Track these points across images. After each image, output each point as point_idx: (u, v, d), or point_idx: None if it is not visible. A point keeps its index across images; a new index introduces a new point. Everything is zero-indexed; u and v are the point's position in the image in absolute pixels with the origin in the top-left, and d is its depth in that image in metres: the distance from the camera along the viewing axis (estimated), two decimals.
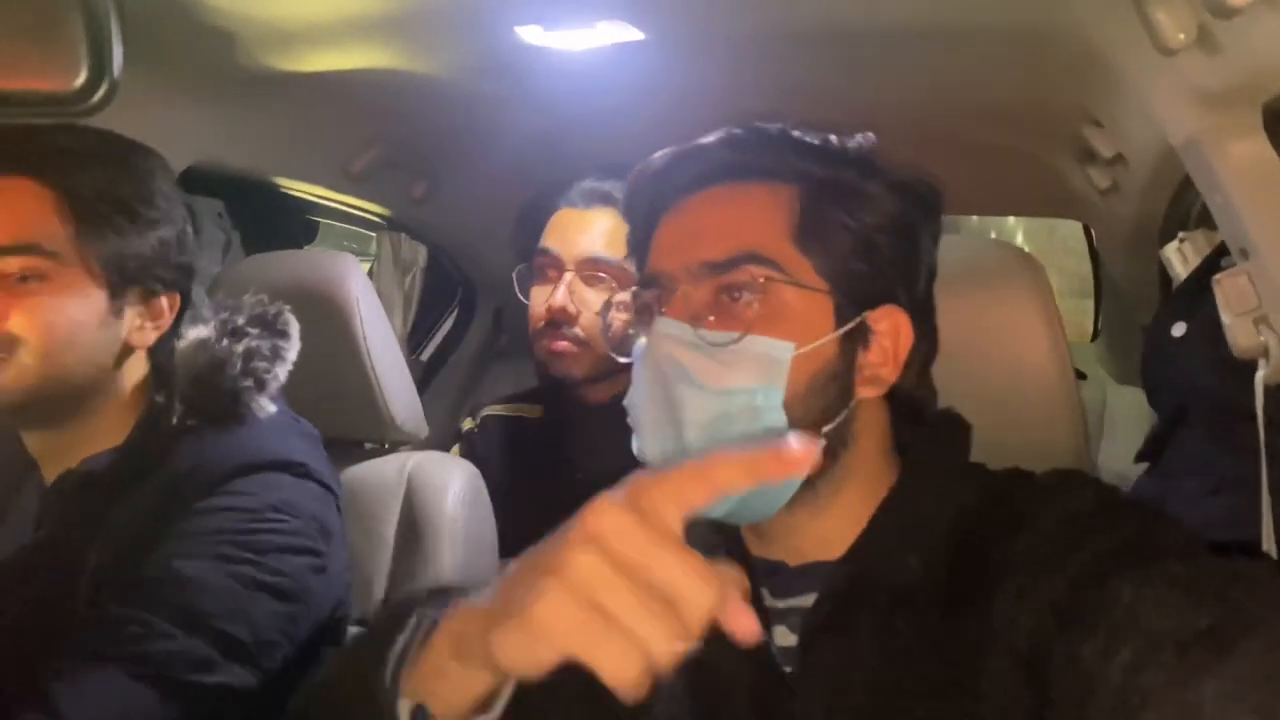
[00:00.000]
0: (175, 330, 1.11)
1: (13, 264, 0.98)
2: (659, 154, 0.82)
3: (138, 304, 1.06)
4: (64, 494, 1.04)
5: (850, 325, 0.75)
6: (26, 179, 1.00)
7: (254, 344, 1.11)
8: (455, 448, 1.65)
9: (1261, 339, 1.05)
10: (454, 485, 1.24)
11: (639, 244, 0.84)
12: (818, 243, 0.75)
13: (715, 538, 0.80)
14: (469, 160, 1.96)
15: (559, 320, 1.45)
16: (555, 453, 1.53)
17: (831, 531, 0.76)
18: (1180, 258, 1.36)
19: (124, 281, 1.03)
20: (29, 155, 1.01)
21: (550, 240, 1.50)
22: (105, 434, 1.06)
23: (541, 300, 1.48)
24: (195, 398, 1.07)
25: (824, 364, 0.74)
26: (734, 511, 0.73)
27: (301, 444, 1.12)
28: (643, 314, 0.80)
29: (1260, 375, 1.06)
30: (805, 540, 0.76)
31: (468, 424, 1.67)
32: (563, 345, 1.46)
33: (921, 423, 0.81)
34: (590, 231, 1.48)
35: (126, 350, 1.07)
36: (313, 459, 1.10)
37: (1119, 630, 0.61)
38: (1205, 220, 1.33)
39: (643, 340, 0.79)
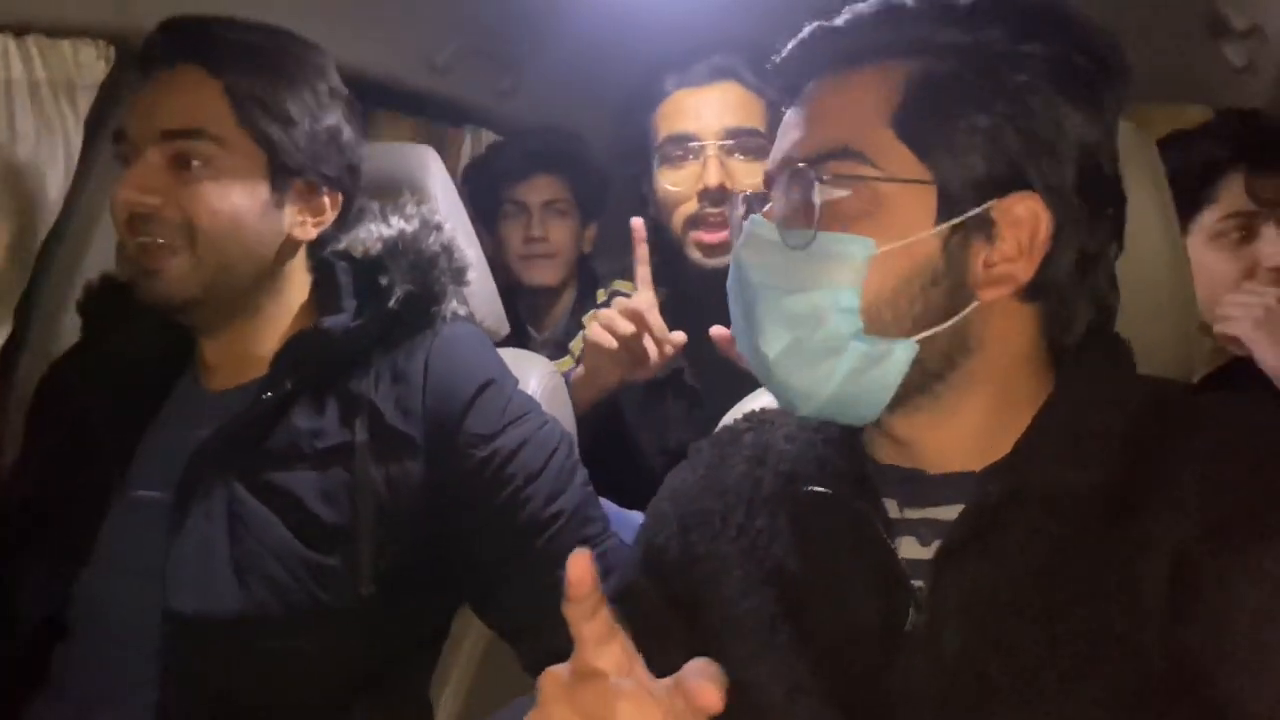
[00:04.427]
0: (337, 231, 1.13)
1: (180, 148, 1.01)
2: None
3: (299, 199, 1.08)
4: (299, 352, 1.06)
5: (962, 218, 0.69)
6: (193, 67, 1.03)
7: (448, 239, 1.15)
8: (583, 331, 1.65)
9: None
10: (532, 380, 1.23)
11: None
12: (924, 127, 0.69)
13: (827, 449, 0.78)
14: (554, 47, 1.91)
15: (718, 198, 1.42)
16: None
17: (973, 440, 0.72)
18: None
19: (286, 172, 1.05)
20: (197, 45, 1.04)
21: (678, 124, 1.47)
22: (272, 338, 1.09)
23: (689, 183, 1.45)
24: (412, 287, 1.10)
25: (921, 262, 0.69)
26: (827, 409, 0.72)
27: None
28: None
29: None
30: (942, 447, 0.73)
31: (600, 296, 1.68)
32: (722, 235, 1.44)
33: (1077, 331, 0.74)
34: (720, 105, 1.46)
35: (290, 245, 1.09)
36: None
37: (1267, 570, 0.60)
38: None
39: None
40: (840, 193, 0.70)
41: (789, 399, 0.74)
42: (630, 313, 1.32)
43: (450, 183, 1.33)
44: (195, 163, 1.01)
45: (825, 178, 0.70)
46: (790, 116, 0.76)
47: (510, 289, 1.81)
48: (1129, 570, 0.64)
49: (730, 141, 1.45)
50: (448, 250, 1.15)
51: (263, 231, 1.05)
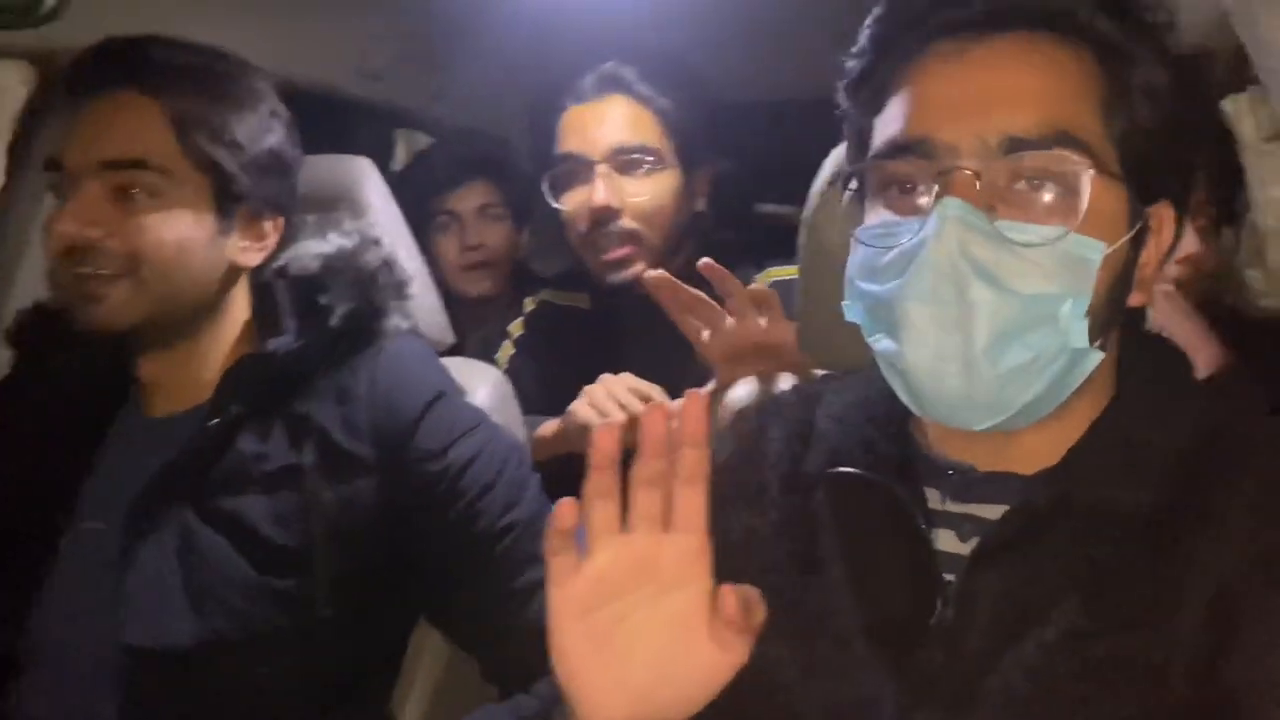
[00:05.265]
0: (277, 254, 1.11)
1: (122, 179, 0.98)
2: None
3: (243, 225, 1.06)
4: (242, 377, 1.04)
5: (1140, 225, 0.67)
6: (135, 93, 1.00)
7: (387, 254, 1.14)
8: (507, 341, 1.66)
9: None
10: (480, 391, 1.23)
11: (873, 92, 0.71)
12: (1124, 121, 0.65)
13: (874, 432, 0.75)
14: (484, 50, 1.90)
15: (604, 219, 1.43)
16: (602, 346, 1.53)
17: (1043, 443, 0.69)
18: (1248, 111, 1.27)
19: (231, 200, 1.03)
20: (137, 69, 1.00)
21: (569, 143, 1.47)
22: (215, 362, 1.07)
23: (580, 203, 1.46)
24: (353, 304, 1.09)
25: (1118, 268, 0.66)
26: (1005, 423, 0.66)
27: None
28: (892, 187, 0.68)
29: None
30: (1015, 448, 0.70)
31: (529, 305, 1.67)
32: (621, 253, 1.45)
33: (1139, 338, 0.74)
34: (608, 121, 1.46)
35: (233, 271, 1.07)
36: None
37: None
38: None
39: (882, 215, 0.69)
40: (1063, 186, 0.64)
41: (962, 415, 0.67)
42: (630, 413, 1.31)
43: (388, 193, 1.32)
44: (138, 193, 0.98)
45: (1077, 168, 0.63)
46: (962, 75, 0.66)
47: (446, 296, 1.79)
48: (1167, 597, 0.62)
49: (619, 159, 1.44)
50: (388, 265, 1.14)
51: (208, 260, 1.03)
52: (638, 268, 1.45)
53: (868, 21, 0.72)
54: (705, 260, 1.21)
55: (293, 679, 1.00)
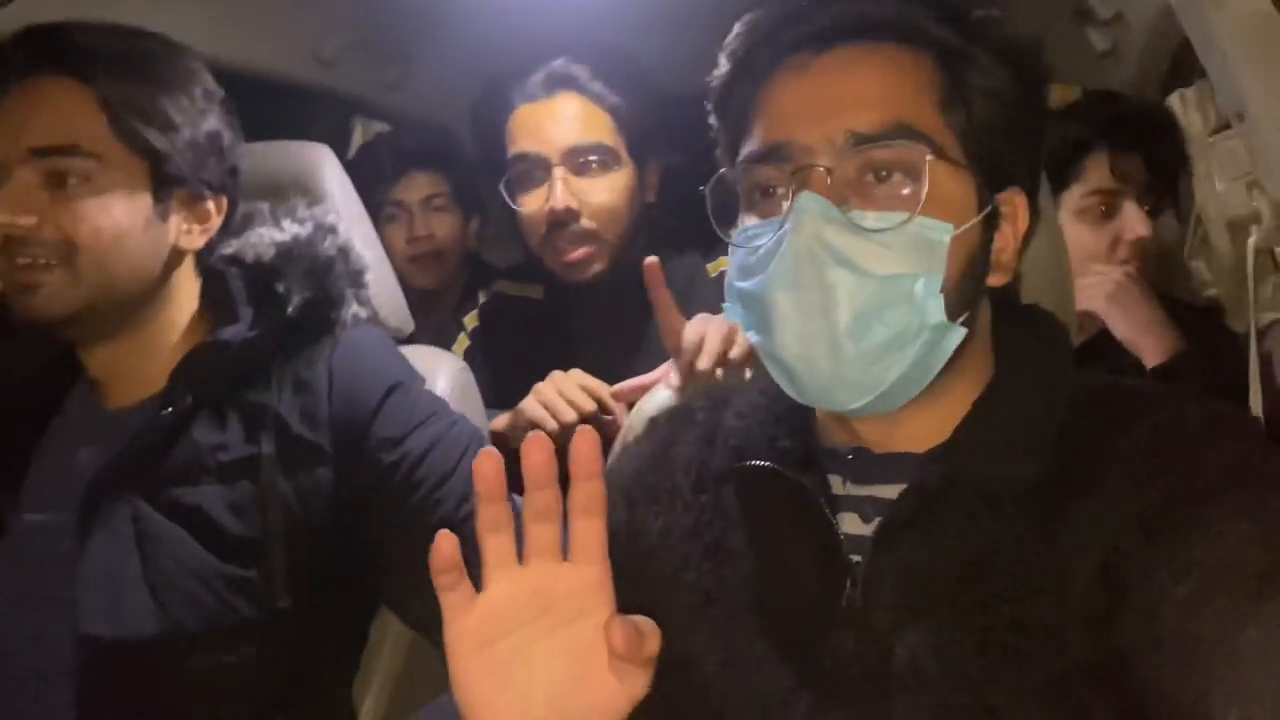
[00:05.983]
0: (224, 237, 1.10)
1: (54, 165, 0.96)
2: (770, 2, 0.73)
3: (183, 208, 1.04)
4: (196, 366, 1.03)
5: (990, 207, 0.72)
6: (63, 78, 0.98)
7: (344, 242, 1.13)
8: (464, 331, 1.66)
9: (1254, 204, 1.03)
10: (441, 379, 1.23)
11: (738, 108, 0.75)
12: (962, 115, 0.70)
13: (776, 426, 0.78)
14: (442, 40, 1.89)
15: (564, 220, 1.44)
16: (555, 337, 1.54)
17: (929, 423, 0.73)
18: (1195, 106, 1.31)
19: (168, 182, 1.01)
20: (64, 53, 0.98)
21: (523, 142, 1.47)
22: (166, 351, 1.05)
23: (538, 204, 1.46)
24: (310, 293, 1.08)
25: (971, 249, 0.71)
26: (875, 403, 0.70)
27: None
28: (756, 193, 0.73)
29: (1252, 241, 1.05)
30: (900, 430, 0.73)
31: (483, 297, 1.67)
32: (581, 253, 1.46)
33: (1015, 316, 0.78)
34: (562, 121, 1.46)
35: (176, 255, 1.05)
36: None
37: (1193, 560, 0.61)
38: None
39: (749, 221, 0.74)
40: (908, 175, 0.69)
41: (836, 396, 0.70)
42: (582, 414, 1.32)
43: (347, 180, 1.31)
44: (72, 180, 0.97)
45: (917, 157, 0.68)
46: (811, 84, 0.71)
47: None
48: (1060, 564, 0.65)
49: (575, 160, 1.45)
50: (344, 253, 1.14)
51: (147, 245, 1.02)
52: (597, 267, 1.48)
53: (725, 43, 0.76)
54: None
55: (254, 668, 0.99)
